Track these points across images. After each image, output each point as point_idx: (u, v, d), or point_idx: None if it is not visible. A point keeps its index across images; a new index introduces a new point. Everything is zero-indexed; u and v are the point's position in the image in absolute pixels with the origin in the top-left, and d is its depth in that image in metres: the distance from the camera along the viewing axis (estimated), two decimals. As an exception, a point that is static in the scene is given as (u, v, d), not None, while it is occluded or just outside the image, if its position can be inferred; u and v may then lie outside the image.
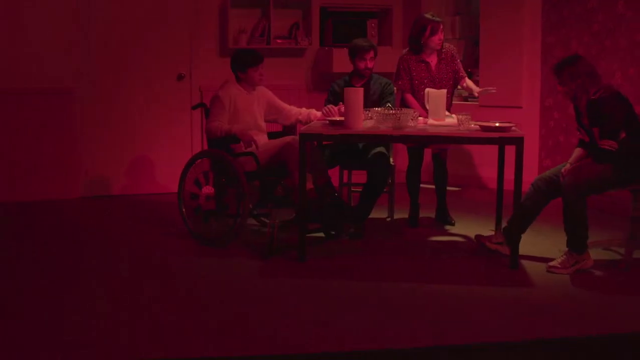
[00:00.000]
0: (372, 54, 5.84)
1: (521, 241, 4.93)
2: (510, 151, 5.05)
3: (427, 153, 6.24)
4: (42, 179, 7.13)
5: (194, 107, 6.17)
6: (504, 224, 5.33)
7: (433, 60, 5.94)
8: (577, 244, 4.76)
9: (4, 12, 6.93)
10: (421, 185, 6.20)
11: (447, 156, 6.17)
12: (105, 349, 3.61)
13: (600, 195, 5.12)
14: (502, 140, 5.06)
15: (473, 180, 7.81)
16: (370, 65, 5.86)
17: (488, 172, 7.64)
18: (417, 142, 5.86)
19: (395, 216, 6.14)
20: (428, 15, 5.91)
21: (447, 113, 5.46)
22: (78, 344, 3.68)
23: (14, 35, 6.97)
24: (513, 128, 5.11)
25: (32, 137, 7.08)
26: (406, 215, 6.21)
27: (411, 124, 5.06)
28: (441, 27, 5.88)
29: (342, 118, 5.16)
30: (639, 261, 5.01)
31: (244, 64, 5.64)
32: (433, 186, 6.28)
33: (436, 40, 5.87)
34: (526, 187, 4.99)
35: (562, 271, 4.77)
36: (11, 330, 3.85)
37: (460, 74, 6.02)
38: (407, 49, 6.05)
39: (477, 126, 5.09)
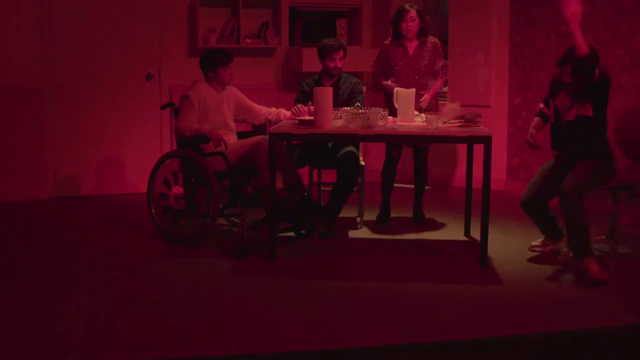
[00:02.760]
0: (341, 53, 5.86)
1: (489, 239, 4.95)
2: (479, 150, 5.09)
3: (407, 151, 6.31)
4: (10, 179, 7.05)
5: (163, 107, 6.15)
6: (473, 222, 5.36)
7: (411, 46, 6.00)
8: (582, 250, 4.69)
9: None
10: (394, 184, 6.25)
11: (427, 154, 6.21)
12: (75, 350, 3.59)
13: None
14: (470, 139, 5.10)
15: (442, 179, 7.86)
16: (339, 65, 5.88)
17: (457, 171, 7.71)
18: (387, 141, 5.90)
19: (365, 215, 6.15)
20: (406, 5, 6.01)
21: (415, 112, 5.48)
22: (49, 344, 3.65)
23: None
24: (478, 118, 5.19)
25: (1, 136, 7.00)
26: (376, 214, 6.23)
27: (380, 123, 5.08)
28: (411, 14, 5.93)
29: (312, 117, 5.17)
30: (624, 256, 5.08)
31: (214, 63, 5.63)
32: (405, 185, 6.31)
33: (404, 26, 5.94)
34: (495, 185, 5.03)
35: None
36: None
37: (435, 69, 6.08)
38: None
39: (445, 125, 5.12)
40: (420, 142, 6.01)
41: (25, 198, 7.08)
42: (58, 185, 7.28)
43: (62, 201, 7.14)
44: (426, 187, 6.32)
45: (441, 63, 6.12)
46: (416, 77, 5.99)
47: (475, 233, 5.43)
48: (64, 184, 7.29)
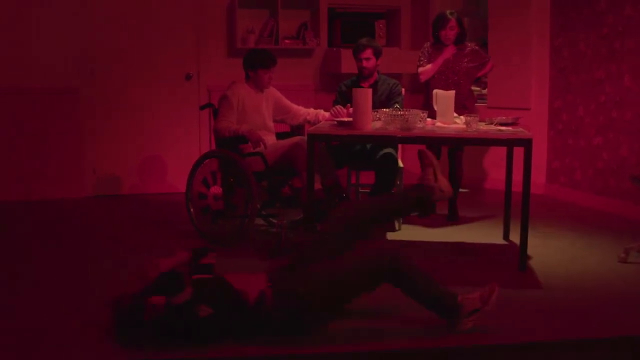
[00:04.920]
0: (367, 53, 5.85)
1: (528, 243, 4.91)
2: (518, 153, 5.05)
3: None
4: (52, 178, 7.17)
5: (202, 107, 6.18)
6: (512, 226, 5.31)
7: (450, 50, 6.08)
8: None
9: (12, 13, 6.95)
10: None
11: (462, 155, 6.22)
12: (110, 348, 3.61)
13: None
14: (510, 142, 5.05)
15: (481, 182, 7.81)
16: (365, 64, 5.87)
17: (496, 174, 7.65)
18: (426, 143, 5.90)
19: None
20: (446, 11, 6.13)
21: (454, 114, 5.46)
22: (81, 343, 3.68)
23: (23, 35, 7.00)
24: (519, 122, 5.15)
25: (41, 136, 7.12)
26: (413, 215, 6.22)
27: (419, 125, 5.05)
28: (451, 23, 6.04)
29: (350, 119, 5.16)
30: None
31: (256, 64, 5.65)
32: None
33: (443, 34, 6.04)
34: (534, 189, 4.98)
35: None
36: (16, 328, 3.85)
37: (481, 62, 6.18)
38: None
39: (485, 127, 5.10)
40: (459, 145, 6.01)
41: (66, 196, 7.18)
42: (98, 184, 7.36)
43: (102, 199, 7.22)
44: (463, 190, 6.28)
45: (486, 59, 6.20)
46: (455, 78, 6.03)
47: (514, 236, 5.38)
48: (103, 183, 7.38)
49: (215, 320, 3.54)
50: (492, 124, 5.29)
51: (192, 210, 5.68)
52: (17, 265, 5.01)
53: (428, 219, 6.27)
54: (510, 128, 5.18)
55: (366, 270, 3.70)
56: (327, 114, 5.83)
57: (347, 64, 7.21)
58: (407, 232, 5.90)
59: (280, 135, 5.91)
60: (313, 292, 3.63)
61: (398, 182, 5.86)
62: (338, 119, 5.42)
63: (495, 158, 7.51)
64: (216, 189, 5.58)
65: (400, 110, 5.21)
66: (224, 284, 3.69)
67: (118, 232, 5.97)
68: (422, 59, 6.19)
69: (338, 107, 5.73)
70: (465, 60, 6.12)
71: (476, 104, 6.47)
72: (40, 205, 6.87)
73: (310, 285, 3.65)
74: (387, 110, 5.24)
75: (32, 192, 7.10)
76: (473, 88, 7.35)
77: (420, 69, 6.17)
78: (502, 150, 5.64)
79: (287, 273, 3.80)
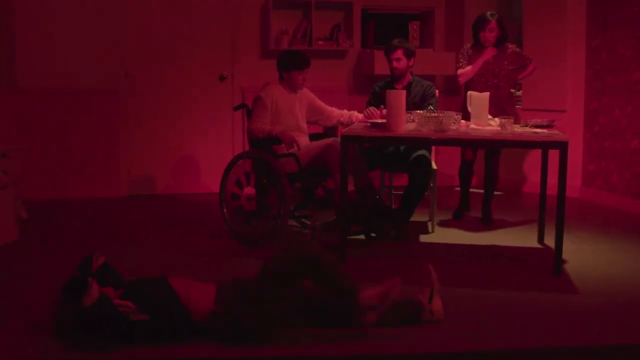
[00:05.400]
0: (398, 54, 5.83)
1: (564, 248, 4.86)
2: (554, 155, 5.00)
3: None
4: (88, 177, 7.26)
5: (235, 108, 6.20)
6: (547, 230, 5.27)
7: (490, 52, 6.02)
8: None
9: (50, 16, 7.06)
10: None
11: (499, 158, 6.19)
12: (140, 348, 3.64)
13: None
14: (545, 145, 5.00)
15: (514, 184, 7.75)
16: (394, 65, 5.85)
17: (530, 176, 7.59)
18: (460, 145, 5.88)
19: (437, 219, 6.11)
20: (486, 12, 6.08)
21: (489, 117, 5.42)
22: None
23: (61, 37, 7.10)
24: (554, 124, 5.10)
25: (79, 136, 7.22)
26: (448, 218, 6.20)
27: (453, 126, 5.03)
28: (491, 25, 5.98)
29: (384, 120, 5.15)
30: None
31: (290, 65, 5.66)
32: (475, 190, 6.28)
33: (483, 36, 6.01)
34: (569, 192, 4.94)
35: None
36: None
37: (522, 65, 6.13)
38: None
39: (520, 130, 5.06)
40: (493, 147, 5.97)
41: (101, 195, 7.26)
42: (133, 184, 7.43)
43: (136, 199, 7.29)
44: (498, 193, 6.24)
45: (528, 62, 6.13)
46: (495, 81, 5.98)
47: (549, 240, 5.33)
48: (138, 183, 7.45)
49: (146, 321, 3.55)
50: (527, 126, 5.24)
51: (225, 210, 5.70)
52: (51, 263, 5.07)
53: (461, 221, 6.22)
54: (545, 130, 5.13)
55: (280, 275, 3.66)
56: (360, 116, 5.82)
57: (381, 66, 7.18)
58: (441, 235, 5.87)
59: (313, 137, 5.91)
60: (248, 306, 3.60)
61: (431, 184, 5.83)
62: (371, 121, 5.41)
63: (534, 161, 7.45)
64: (249, 190, 5.60)
65: (434, 112, 5.18)
66: (164, 286, 3.69)
67: (151, 231, 6.01)
68: (461, 60, 6.14)
69: (371, 108, 5.72)
70: (506, 62, 6.04)
71: (516, 108, 6.40)
72: (76, 205, 6.95)
73: (246, 299, 3.63)
74: (421, 111, 5.22)
75: (70, 191, 7.20)
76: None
77: (460, 71, 6.12)
78: (539, 154, 5.59)
79: (232, 287, 3.75)
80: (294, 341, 3.63)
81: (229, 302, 3.63)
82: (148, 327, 3.56)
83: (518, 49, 6.20)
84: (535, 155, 7.35)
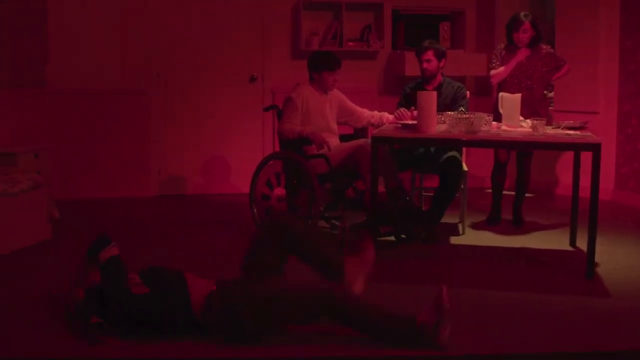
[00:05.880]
0: (428, 55, 5.81)
1: (596, 250, 4.81)
2: (586, 157, 4.95)
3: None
4: (119, 177, 7.32)
5: (266, 109, 6.22)
6: (579, 232, 5.22)
7: (524, 53, 5.95)
8: None
9: (82, 18, 7.13)
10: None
11: (531, 160, 6.14)
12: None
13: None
14: (578, 147, 4.95)
15: (546, 186, 7.69)
16: (425, 66, 5.83)
17: (562, 178, 7.52)
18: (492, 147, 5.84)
19: (468, 221, 6.07)
20: (520, 13, 6.00)
21: (521, 118, 5.38)
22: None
23: (93, 38, 7.16)
24: (587, 126, 5.05)
25: (110, 136, 7.28)
26: (478, 220, 6.16)
27: (484, 128, 5.00)
28: (525, 26, 5.90)
29: (415, 122, 5.13)
30: None
31: (320, 65, 5.66)
32: (506, 192, 6.24)
33: (516, 36, 5.94)
34: (602, 194, 4.88)
35: None
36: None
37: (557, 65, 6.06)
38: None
39: (552, 131, 5.02)
40: (525, 149, 5.93)
41: (132, 195, 7.32)
42: (163, 184, 7.48)
43: (166, 199, 7.33)
44: (529, 195, 6.19)
45: (561, 63, 6.07)
46: (528, 82, 5.92)
47: (581, 243, 5.28)
48: (168, 183, 7.49)
49: (146, 296, 3.65)
50: (559, 128, 5.20)
51: (255, 211, 5.71)
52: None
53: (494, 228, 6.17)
54: (578, 132, 5.08)
55: (303, 305, 3.62)
56: (391, 117, 5.81)
57: (411, 67, 7.16)
58: (471, 237, 5.84)
59: (343, 138, 5.91)
60: (250, 310, 3.59)
61: (462, 186, 5.80)
62: (402, 122, 5.40)
63: (565, 163, 7.39)
64: (280, 191, 5.62)
65: (465, 113, 5.16)
66: (180, 281, 3.74)
67: (181, 231, 6.04)
68: (494, 61, 6.08)
69: (402, 109, 5.70)
70: (540, 63, 5.97)
71: (549, 109, 6.33)
72: (107, 204, 7.01)
73: (250, 302, 3.62)
74: (452, 113, 5.19)
75: (100, 191, 7.26)
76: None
77: (492, 72, 6.07)
78: (572, 156, 5.54)
79: (233, 285, 3.77)
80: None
81: (227, 302, 3.65)
82: (146, 304, 3.63)
83: (552, 50, 6.13)
84: (567, 157, 7.30)
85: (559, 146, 5.07)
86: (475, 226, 6.13)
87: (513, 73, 5.96)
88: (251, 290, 3.67)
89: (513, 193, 6.30)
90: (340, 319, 3.60)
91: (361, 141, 5.48)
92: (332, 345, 3.63)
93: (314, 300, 3.61)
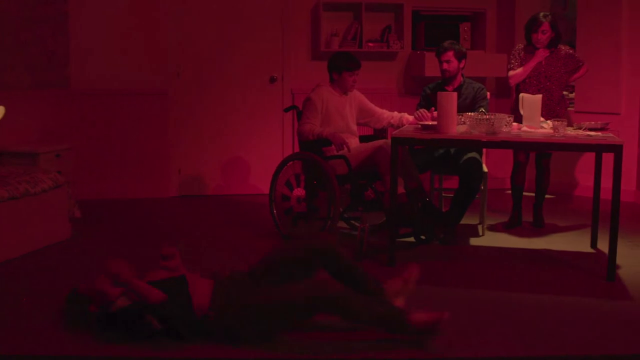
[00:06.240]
0: (448, 55, 5.79)
1: (617, 253, 4.78)
2: (608, 158, 4.92)
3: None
4: (140, 177, 7.36)
5: (286, 110, 6.23)
6: (600, 234, 5.18)
7: (543, 53, 5.91)
8: None
9: (103, 18, 7.17)
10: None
11: (550, 161, 6.10)
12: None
13: None
14: (600, 148, 4.91)
15: (571, 188, 7.64)
16: (445, 67, 5.81)
17: (586, 181, 7.47)
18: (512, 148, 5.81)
19: (487, 222, 6.05)
20: (539, 13, 5.95)
21: (542, 119, 5.35)
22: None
23: (114, 39, 7.20)
24: (609, 127, 5.01)
25: (131, 137, 7.32)
26: (498, 222, 6.13)
27: (505, 129, 4.98)
28: (544, 27, 5.85)
29: (435, 122, 5.12)
30: None
31: (341, 66, 5.66)
32: (526, 193, 6.21)
33: (535, 37, 5.89)
34: (624, 196, 4.85)
35: None
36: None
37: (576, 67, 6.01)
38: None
39: (573, 132, 4.99)
40: (546, 150, 5.89)
41: (153, 195, 7.35)
42: (183, 184, 7.51)
43: (186, 199, 7.36)
44: (549, 196, 6.15)
45: (580, 64, 6.02)
46: (548, 84, 5.89)
47: (603, 245, 5.24)
48: (188, 183, 7.52)
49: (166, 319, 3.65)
50: (580, 129, 5.16)
51: (274, 211, 5.72)
52: (102, 261, 5.13)
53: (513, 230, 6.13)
54: (599, 133, 5.05)
55: (297, 304, 3.61)
56: (411, 118, 5.80)
57: (431, 67, 7.14)
58: (491, 238, 5.82)
59: (363, 139, 5.90)
60: (247, 313, 3.62)
61: (482, 187, 5.78)
62: (422, 123, 5.38)
63: (585, 165, 7.34)
64: (299, 191, 5.63)
65: (485, 114, 5.14)
66: (183, 285, 3.74)
67: (200, 231, 6.06)
68: (513, 62, 6.05)
69: (422, 110, 5.69)
70: (559, 64, 5.94)
71: (567, 110, 6.29)
72: (127, 204, 7.05)
73: (246, 306, 3.64)
74: (472, 114, 5.17)
75: (121, 191, 7.30)
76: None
77: (511, 72, 6.03)
78: (592, 157, 5.50)
79: (231, 285, 3.78)
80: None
81: (224, 302, 3.68)
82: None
83: (571, 51, 6.09)
84: (585, 159, 7.25)
85: (580, 147, 5.03)
86: (495, 228, 6.10)
87: (532, 74, 5.92)
88: (249, 291, 3.70)
89: (532, 194, 6.27)
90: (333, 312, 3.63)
91: (381, 142, 5.47)
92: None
93: (306, 292, 3.61)
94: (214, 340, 3.64)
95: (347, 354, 3.57)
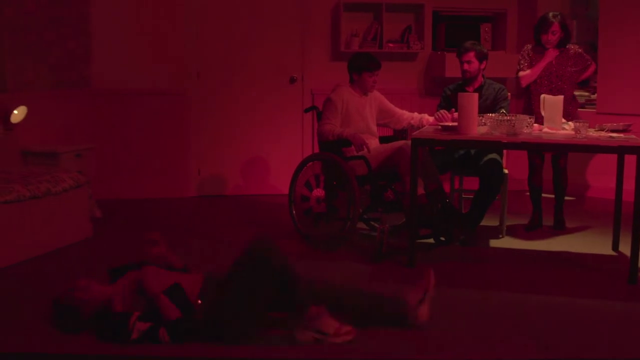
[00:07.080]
0: (469, 56, 5.76)
1: (640, 254, 4.74)
2: (630, 160, 4.88)
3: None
4: (159, 177, 7.38)
5: (306, 110, 6.22)
6: (622, 236, 5.14)
7: (553, 53, 5.86)
8: None
9: (123, 19, 7.21)
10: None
11: (566, 161, 6.05)
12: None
13: None
14: (621, 150, 4.87)
15: (584, 190, 7.58)
16: (465, 67, 5.78)
17: (599, 182, 7.41)
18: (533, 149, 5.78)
19: (507, 224, 6.02)
20: (549, 13, 5.87)
21: (563, 120, 5.32)
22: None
23: (134, 39, 7.23)
24: (631, 129, 4.97)
25: (150, 137, 7.34)
26: (518, 223, 6.10)
27: (526, 130, 4.95)
28: (554, 28, 5.79)
29: (455, 123, 5.10)
30: None
31: (361, 66, 5.65)
32: (545, 195, 6.17)
33: (544, 37, 5.83)
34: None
35: None
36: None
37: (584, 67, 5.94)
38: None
39: (595, 134, 4.95)
40: (567, 151, 5.85)
41: (172, 195, 7.38)
42: (202, 184, 7.52)
43: (206, 199, 7.38)
44: (569, 198, 6.10)
45: (589, 63, 5.95)
46: (559, 83, 5.85)
47: (624, 247, 5.20)
48: (207, 183, 7.54)
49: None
50: (602, 130, 5.12)
51: (294, 212, 5.72)
52: (121, 260, 5.15)
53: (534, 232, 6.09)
54: (621, 135, 5.01)
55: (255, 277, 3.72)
56: (431, 119, 5.78)
57: (452, 68, 7.12)
58: (511, 240, 5.79)
59: (383, 139, 5.89)
60: (228, 304, 3.68)
61: (502, 189, 5.75)
62: (442, 124, 5.37)
63: (598, 166, 7.28)
64: (319, 192, 5.63)
65: (506, 115, 5.11)
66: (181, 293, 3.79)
67: (219, 231, 6.07)
68: (522, 62, 5.99)
69: (442, 111, 5.67)
70: (570, 63, 5.90)
71: (579, 110, 6.23)
72: (147, 204, 7.08)
73: (225, 297, 3.70)
74: (493, 115, 5.15)
75: (141, 191, 7.33)
76: (581, 93, 7.13)
77: (521, 73, 5.98)
78: (606, 158, 5.45)
79: (216, 282, 3.84)
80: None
81: (210, 298, 3.74)
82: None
83: (580, 50, 6.01)
84: (599, 160, 7.20)
85: (602, 149, 4.98)
86: (515, 229, 6.06)
87: (543, 74, 5.87)
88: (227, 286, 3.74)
89: (551, 196, 6.22)
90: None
91: (401, 143, 5.46)
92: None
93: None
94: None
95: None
